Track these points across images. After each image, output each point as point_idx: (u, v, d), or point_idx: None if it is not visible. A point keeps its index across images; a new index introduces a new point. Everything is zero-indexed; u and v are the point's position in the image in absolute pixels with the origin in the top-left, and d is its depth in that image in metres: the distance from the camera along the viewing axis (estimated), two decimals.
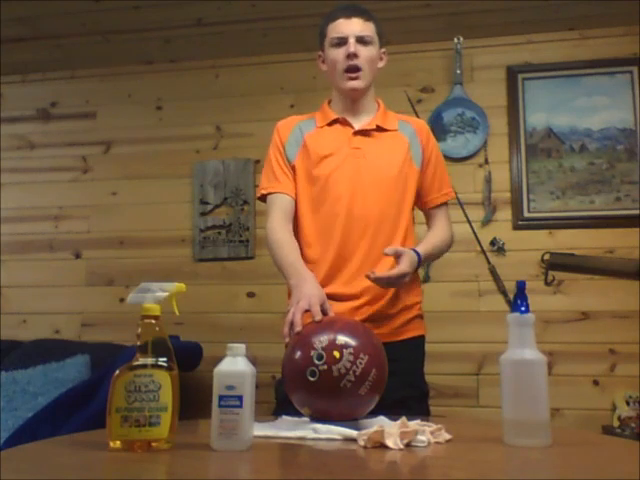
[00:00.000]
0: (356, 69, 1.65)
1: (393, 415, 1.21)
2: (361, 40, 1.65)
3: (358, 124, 1.72)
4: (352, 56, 1.64)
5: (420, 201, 1.77)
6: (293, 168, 1.72)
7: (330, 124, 1.73)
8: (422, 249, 1.63)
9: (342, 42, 1.65)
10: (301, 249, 1.65)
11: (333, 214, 1.65)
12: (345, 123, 1.72)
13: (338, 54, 1.66)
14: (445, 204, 1.79)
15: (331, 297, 1.50)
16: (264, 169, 1.77)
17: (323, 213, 1.66)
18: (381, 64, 1.74)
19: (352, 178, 1.65)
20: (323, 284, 1.55)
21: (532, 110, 2.86)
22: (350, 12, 1.67)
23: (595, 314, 2.69)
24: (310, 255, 1.65)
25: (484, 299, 2.78)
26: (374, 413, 1.28)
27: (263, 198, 1.75)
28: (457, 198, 2.79)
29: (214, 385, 1.05)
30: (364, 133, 1.71)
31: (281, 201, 1.70)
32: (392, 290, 1.64)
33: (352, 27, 1.65)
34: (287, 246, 1.62)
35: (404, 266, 1.53)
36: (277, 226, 1.66)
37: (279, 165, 1.73)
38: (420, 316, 1.72)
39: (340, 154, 1.68)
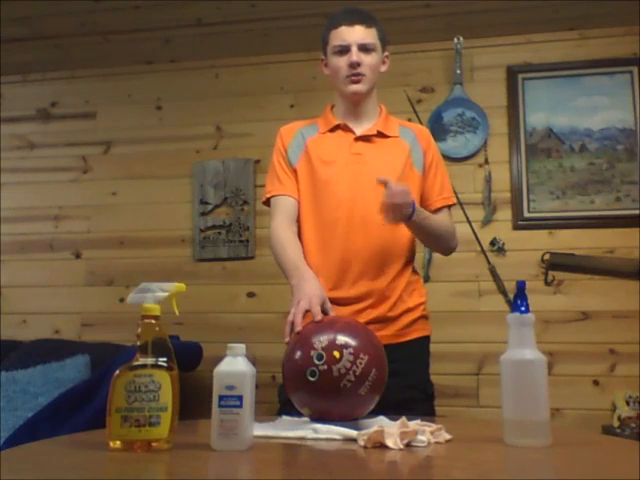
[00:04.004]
0: (359, 75, 1.66)
1: (397, 416, 1.21)
2: (363, 48, 1.65)
3: (359, 130, 1.73)
4: (355, 65, 1.64)
5: (422, 206, 1.76)
6: (295, 172, 1.73)
7: (332, 130, 1.74)
8: (418, 207, 1.58)
9: (344, 50, 1.65)
10: (303, 253, 1.65)
11: (334, 219, 1.66)
12: (346, 129, 1.73)
13: (340, 62, 1.66)
14: (446, 208, 1.77)
15: (334, 301, 1.50)
16: (268, 175, 1.78)
17: (324, 218, 1.67)
18: (384, 68, 1.74)
19: (352, 183, 1.66)
20: (325, 288, 1.55)
21: (532, 110, 2.86)
22: (352, 19, 1.66)
23: (595, 314, 2.69)
24: (312, 260, 1.65)
25: (484, 299, 2.78)
26: (375, 413, 1.28)
27: (267, 202, 1.76)
28: (457, 198, 2.79)
29: (214, 385, 1.05)
30: (365, 139, 1.72)
31: (284, 203, 1.70)
32: (395, 293, 1.65)
33: (354, 35, 1.64)
34: (289, 246, 1.62)
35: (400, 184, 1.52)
36: (280, 227, 1.67)
37: (282, 169, 1.74)
38: (424, 317, 1.72)
39: (341, 160, 1.69)
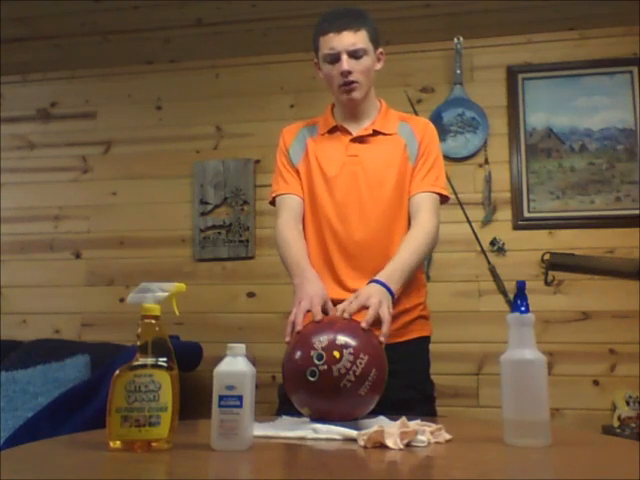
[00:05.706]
0: (351, 83, 1.64)
1: (397, 416, 1.21)
2: (354, 55, 1.61)
3: (357, 130, 1.72)
4: (346, 74, 1.62)
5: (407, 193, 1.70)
6: (297, 172, 1.73)
7: (330, 131, 1.74)
8: (386, 275, 1.49)
9: (334, 59, 1.62)
10: None
11: (330, 221, 1.66)
12: (343, 130, 1.72)
13: (332, 71, 1.64)
14: (429, 195, 1.66)
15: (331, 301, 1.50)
16: (273, 175, 1.79)
17: (321, 219, 1.68)
18: (379, 65, 1.71)
19: (349, 186, 1.66)
20: None
21: (532, 110, 2.86)
22: (340, 25, 1.61)
23: (595, 314, 2.69)
24: (311, 259, 1.64)
25: (484, 299, 2.78)
26: (375, 413, 1.28)
27: (273, 203, 1.76)
28: (457, 198, 2.80)
29: (214, 385, 1.05)
30: (361, 140, 1.71)
31: (289, 202, 1.71)
32: None
33: (343, 42, 1.60)
34: (294, 245, 1.63)
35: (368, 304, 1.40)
36: (285, 226, 1.67)
37: (286, 168, 1.75)
38: (423, 317, 1.72)
39: (338, 162, 1.69)
